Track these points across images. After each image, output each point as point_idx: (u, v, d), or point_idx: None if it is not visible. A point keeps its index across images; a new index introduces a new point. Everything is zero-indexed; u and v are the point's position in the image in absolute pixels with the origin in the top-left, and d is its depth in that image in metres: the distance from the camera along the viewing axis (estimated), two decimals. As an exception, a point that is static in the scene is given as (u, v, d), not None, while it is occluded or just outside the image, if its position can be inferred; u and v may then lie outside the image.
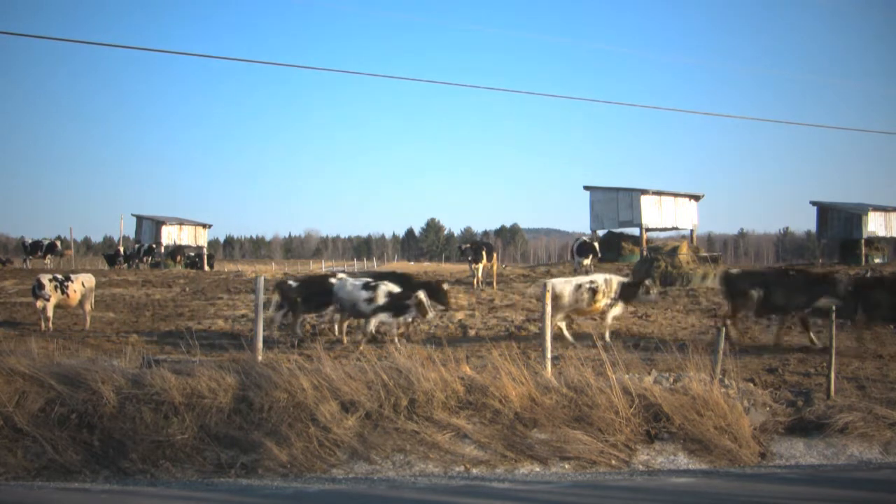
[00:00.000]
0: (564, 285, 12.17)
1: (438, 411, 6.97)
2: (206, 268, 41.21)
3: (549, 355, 8.22)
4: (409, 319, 12.28)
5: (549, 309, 8.57)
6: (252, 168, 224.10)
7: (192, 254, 43.12)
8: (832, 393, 7.86)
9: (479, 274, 21.55)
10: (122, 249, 40.60)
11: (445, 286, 13.61)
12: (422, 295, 11.93)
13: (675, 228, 38.17)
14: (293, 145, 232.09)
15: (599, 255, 27.50)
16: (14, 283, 22.40)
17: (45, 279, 13.79)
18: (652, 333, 13.06)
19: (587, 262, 25.86)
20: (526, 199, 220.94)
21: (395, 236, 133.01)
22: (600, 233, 36.71)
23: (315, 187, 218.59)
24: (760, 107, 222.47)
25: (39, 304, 13.63)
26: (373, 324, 11.91)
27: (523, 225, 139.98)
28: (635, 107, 42.63)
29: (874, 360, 10.53)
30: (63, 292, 13.82)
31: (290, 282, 13.54)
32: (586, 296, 12.03)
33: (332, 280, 12.88)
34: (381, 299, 11.82)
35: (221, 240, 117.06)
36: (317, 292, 12.89)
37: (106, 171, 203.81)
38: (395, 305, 11.86)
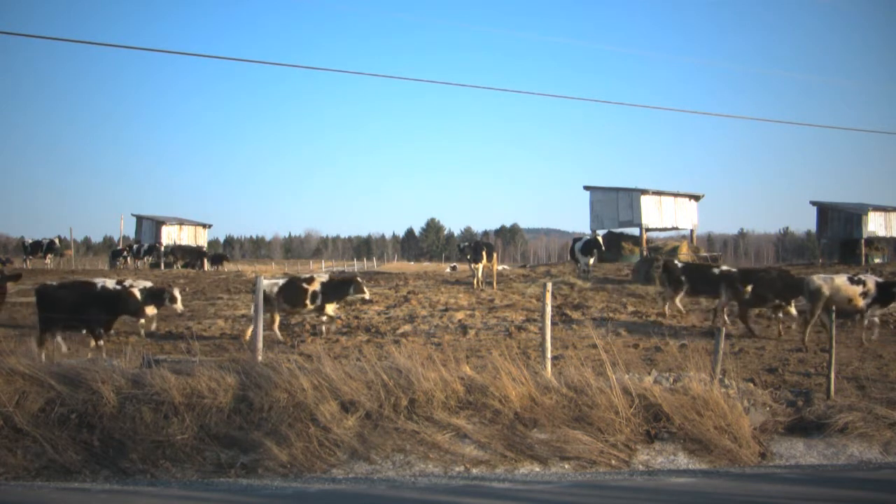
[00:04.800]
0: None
1: (438, 411, 6.97)
2: (207, 267, 41.17)
3: (549, 355, 8.21)
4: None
5: (548, 309, 8.56)
6: (252, 168, 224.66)
7: (210, 252, 43.10)
8: (832, 393, 7.86)
9: (480, 274, 21.53)
10: (130, 248, 40.55)
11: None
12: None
13: (675, 228, 38.15)
14: (293, 145, 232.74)
15: (604, 249, 27.28)
16: (14, 283, 22.32)
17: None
18: (652, 333, 13.06)
19: (592, 260, 25.65)
20: (526, 199, 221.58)
21: (395, 236, 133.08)
22: (600, 232, 36.68)
23: (315, 187, 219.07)
24: (760, 107, 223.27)
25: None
26: (879, 314, 12.33)
27: (523, 225, 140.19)
28: (635, 107, 42.62)
29: (874, 360, 10.53)
30: None
31: (676, 262, 15.48)
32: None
33: (816, 278, 12.63)
34: (874, 291, 12.10)
35: (221, 240, 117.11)
36: (699, 278, 14.62)
37: (106, 171, 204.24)
38: (888, 296, 12.20)
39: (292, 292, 12.63)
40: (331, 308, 12.90)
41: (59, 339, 11.13)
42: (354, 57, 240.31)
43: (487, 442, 6.71)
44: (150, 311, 12.36)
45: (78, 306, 10.40)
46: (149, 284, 12.41)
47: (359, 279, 13.30)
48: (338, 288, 12.90)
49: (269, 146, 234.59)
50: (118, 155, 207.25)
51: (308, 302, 12.60)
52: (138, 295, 11.16)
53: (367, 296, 13.29)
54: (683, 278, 14.80)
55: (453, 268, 47.37)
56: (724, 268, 15.10)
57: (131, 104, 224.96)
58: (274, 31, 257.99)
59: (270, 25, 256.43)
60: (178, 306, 12.42)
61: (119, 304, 10.74)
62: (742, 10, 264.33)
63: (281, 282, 12.99)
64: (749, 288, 13.36)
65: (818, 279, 12.54)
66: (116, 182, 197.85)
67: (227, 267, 41.40)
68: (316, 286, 12.64)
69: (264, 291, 12.64)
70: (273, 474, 6.30)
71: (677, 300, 14.90)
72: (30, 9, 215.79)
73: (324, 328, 12.94)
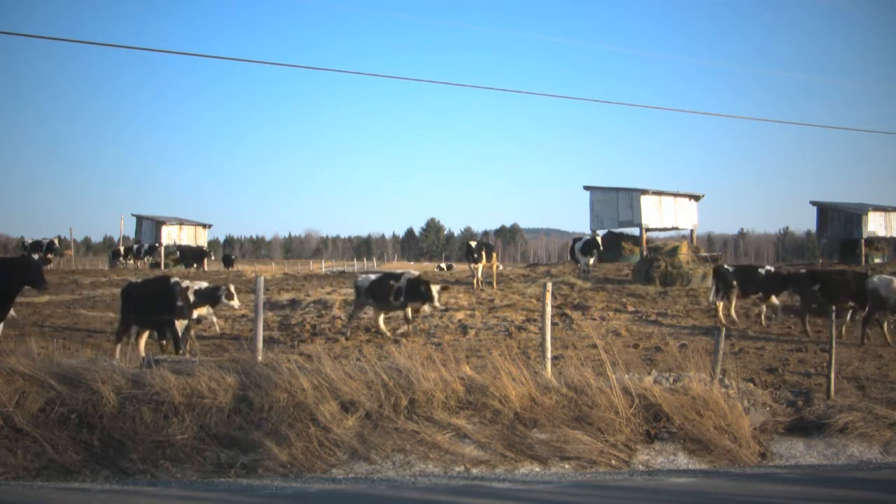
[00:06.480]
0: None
1: (438, 411, 6.97)
2: (206, 266, 41.20)
3: (549, 355, 8.22)
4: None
5: (548, 309, 8.56)
6: (252, 168, 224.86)
7: (210, 253, 43.25)
8: (832, 393, 7.86)
9: (479, 274, 21.54)
10: (121, 249, 40.58)
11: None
12: None
13: (675, 228, 38.14)
14: (293, 145, 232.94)
15: (603, 249, 27.19)
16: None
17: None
18: (652, 333, 13.06)
19: (592, 260, 25.56)
20: (526, 199, 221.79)
21: (395, 236, 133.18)
22: (600, 232, 36.68)
23: (315, 187, 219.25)
24: (760, 107, 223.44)
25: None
26: None
27: (523, 225, 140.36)
28: (635, 107, 42.64)
29: (874, 360, 10.54)
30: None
31: (727, 266, 15.64)
32: None
33: (875, 279, 12.82)
34: None
35: (221, 240, 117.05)
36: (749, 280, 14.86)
37: (106, 171, 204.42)
38: None
39: (381, 288, 13.11)
40: (411, 308, 13.15)
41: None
42: (354, 57, 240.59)
43: (487, 442, 6.71)
44: (206, 311, 12.39)
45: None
46: (205, 284, 12.35)
47: (434, 287, 13.14)
48: (418, 290, 13.01)
49: (269, 146, 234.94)
50: (118, 155, 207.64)
51: (392, 298, 12.94)
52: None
53: (437, 303, 13.24)
54: (735, 282, 14.82)
55: (449, 267, 47.05)
56: (771, 269, 15.44)
57: (131, 104, 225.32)
58: (274, 31, 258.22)
59: (270, 25, 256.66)
60: (235, 302, 12.28)
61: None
62: (742, 10, 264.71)
63: (373, 277, 13.57)
64: (817, 288, 13.53)
65: (877, 280, 12.64)
66: (116, 182, 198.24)
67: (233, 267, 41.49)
68: (403, 283, 12.96)
69: (359, 285, 13.32)
70: (273, 474, 6.30)
71: (722, 306, 14.92)
72: (30, 9, 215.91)
73: (409, 327, 13.22)
